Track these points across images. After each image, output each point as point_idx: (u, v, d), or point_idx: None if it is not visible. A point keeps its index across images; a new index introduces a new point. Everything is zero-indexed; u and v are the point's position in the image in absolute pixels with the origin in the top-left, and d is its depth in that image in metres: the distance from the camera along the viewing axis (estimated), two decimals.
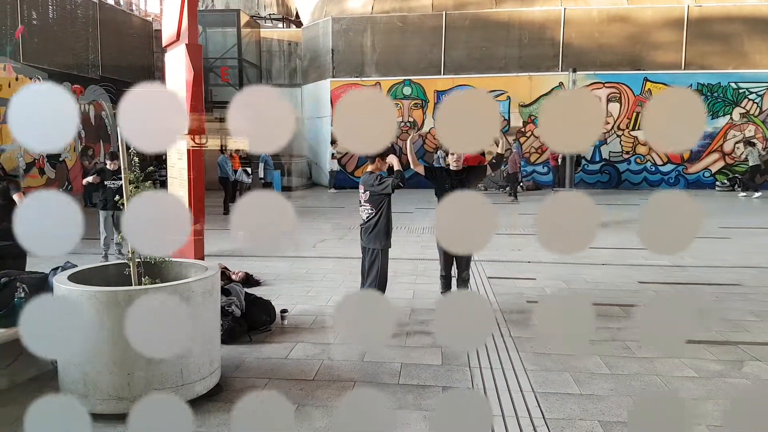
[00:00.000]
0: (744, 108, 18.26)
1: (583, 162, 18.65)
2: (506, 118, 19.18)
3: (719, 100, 18.32)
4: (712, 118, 18.32)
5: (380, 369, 4.55)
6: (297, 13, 24.47)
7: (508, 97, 19.15)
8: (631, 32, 18.72)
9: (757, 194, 16.38)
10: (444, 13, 19.38)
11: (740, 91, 18.21)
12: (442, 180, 5.80)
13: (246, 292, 5.36)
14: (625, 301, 6.40)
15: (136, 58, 19.23)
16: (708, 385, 4.23)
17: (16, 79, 14.76)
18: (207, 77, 20.65)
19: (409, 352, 4.84)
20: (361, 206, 5.39)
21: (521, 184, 17.47)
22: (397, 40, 19.80)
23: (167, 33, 4.77)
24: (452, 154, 5.90)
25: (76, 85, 16.97)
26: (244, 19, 20.94)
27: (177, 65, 4.50)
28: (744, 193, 16.78)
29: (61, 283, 3.52)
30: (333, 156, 18.66)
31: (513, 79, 19.09)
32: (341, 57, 19.91)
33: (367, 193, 5.23)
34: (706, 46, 18.29)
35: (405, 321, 5.68)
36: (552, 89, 18.87)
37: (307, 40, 21.62)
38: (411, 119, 19.56)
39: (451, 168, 5.87)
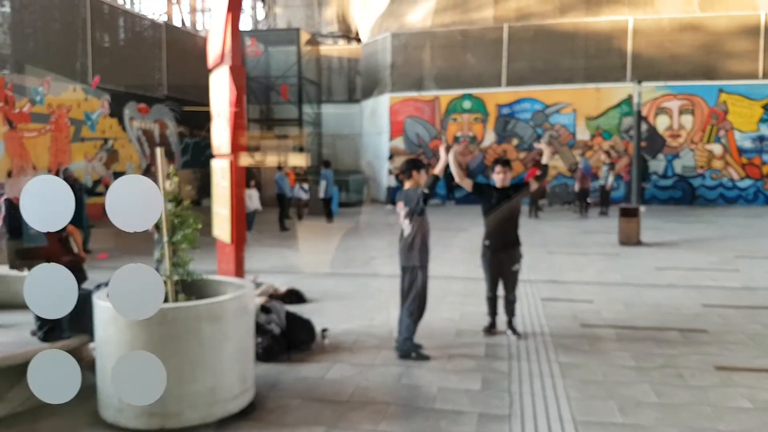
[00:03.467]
0: None
1: (652, 177, 17.83)
2: (572, 131, 18.69)
3: None
4: None
5: (416, 393, 4.52)
6: (357, 31, 24.97)
7: (574, 110, 18.67)
8: (704, 41, 17.85)
9: None
10: (506, 25, 19.19)
11: None
12: (489, 196, 5.76)
13: (287, 311, 5.46)
14: (685, 325, 6.07)
15: (200, 78, 20.13)
16: (762, 417, 3.94)
17: (85, 99, 15.84)
18: (268, 95, 21.38)
19: (448, 376, 4.78)
20: (400, 222, 5.35)
21: (589, 200, 16.95)
22: (457, 53, 19.78)
23: (213, 54, 5.01)
24: (497, 171, 5.82)
25: (141, 104, 17.95)
26: (304, 37, 21.57)
27: (221, 86, 4.71)
28: None
29: (100, 299, 3.73)
30: (390, 172, 18.79)
31: (578, 91, 18.61)
32: (400, 72, 20.09)
33: (405, 209, 5.20)
34: None
35: (448, 343, 5.60)
36: (621, 102, 18.25)
37: (366, 57, 21.98)
38: (471, 134, 19.42)
39: (497, 185, 5.81)
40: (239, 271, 4.58)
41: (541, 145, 6.27)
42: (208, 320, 3.67)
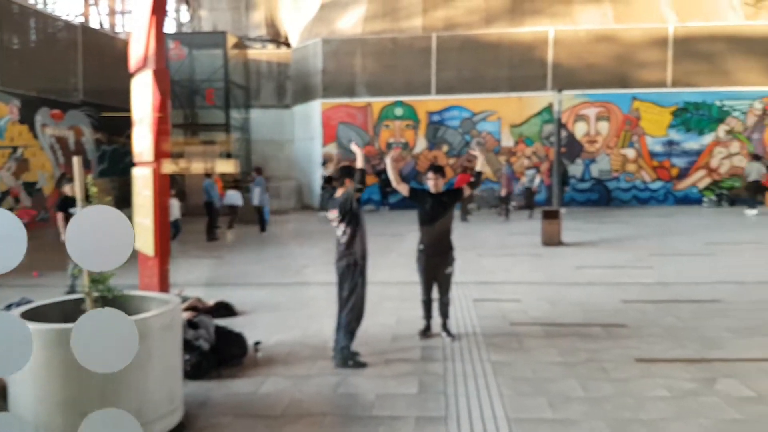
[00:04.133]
0: (728, 125, 18.40)
1: (571, 180, 18.70)
2: (497, 138, 19.29)
3: (705, 117, 18.47)
4: (699, 135, 18.45)
5: (353, 401, 4.50)
6: (286, 35, 24.72)
7: (499, 118, 19.28)
8: (619, 52, 18.94)
9: (754, 211, 16.30)
10: (434, 34, 19.59)
11: (724, 108, 18.37)
12: (423, 202, 5.85)
13: (216, 325, 5.29)
14: (607, 320, 6.38)
15: (119, 82, 19.17)
16: (679, 405, 4.20)
17: None
18: (193, 100, 20.76)
19: (385, 382, 4.79)
20: (335, 228, 5.29)
21: (513, 203, 17.53)
22: (388, 60, 19.98)
23: (135, 57, 4.80)
24: (430, 177, 5.92)
25: (55, 110, 16.90)
26: (231, 41, 21.13)
27: (144, 90, 4.53)
28: (754, 210, 16.52)
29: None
30: (324, 178, 18.70)
31: (503, 100, 19.25)
32: (331, 78, 20.07)
33: (337, 211, 5.16)
34: (690, 65, 18.49)
35: (385, 348, 5.62)
36: (542, 110, 19.02)
37: (296, 62, 21.82)
38: (403, 140, 19.65)
39: (431, 191, 5.92)
40: (164, 286, 4.40)
41: (475, 152, 6.43)
42: None
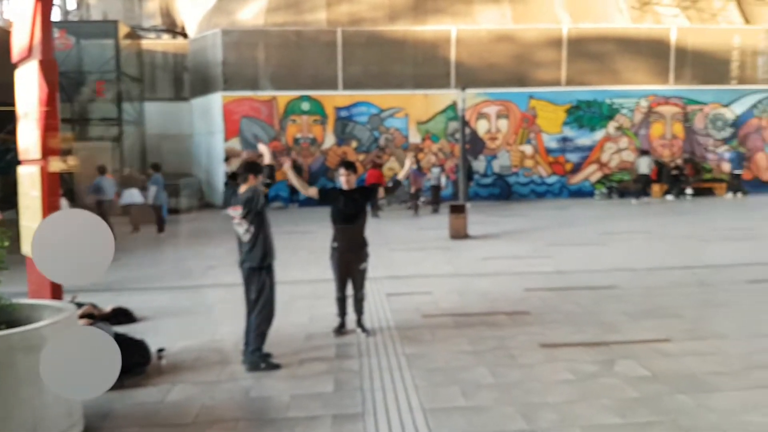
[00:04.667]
0: (618, 122, 19.83)
1: (475, 176, 19.38)
2: (405, 135, 19.56)
3: (596, 115, 19.78)
4: (590, 132, 19.73)
5: (267, 404, 4.38)
6: (183, 25, 23.65)
7: (406, 114, 19.56)
8: (517, 51, 19.80)
9: (646, 199, 17.75)
10: (339, 29, 19.52)
11: (614, 106, 19.78)
12: (336, 200, 5.80)
13: (115, 332, 4.95)
14: (511, 308, 6.66)
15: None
16: (582, 387, 4.46)
17: None
18: (81, 92, 19.36)
19: (300, 382, 4.71)
20: (239, 227, 5.07)
21: (422, 199, 17.88)
22: (293, 54, 19.65)
23: (18, 47, 4.38)
24: (342, 174, 5.88)
25: None
26: (123, 30, 19.90)
27: (29, 82, 4.14)
28: (645, 199, 17.98)
29: None
30: (227, 174, 18.05)
31: (410, 97, 19.54)
32: (233, 70, 19.43)
33: (243, 211, 4.98)
34: (583, 65, 19.71)
35: (299, 348, 5.52)
36: (447, 107, 19.52)
37: (194, 53, 20.92)
38: (311, 135, 19.44)
39: (343, 188, 5.87)
40: (55, 293, 4.05)
41: (408, 159, 6.38)
42: (23, 351, 3.20)
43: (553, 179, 19.84)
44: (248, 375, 4.87)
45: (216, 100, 19.44)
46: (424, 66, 19.77)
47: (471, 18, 20.13)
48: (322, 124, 19.45)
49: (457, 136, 18.07)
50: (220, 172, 18.27)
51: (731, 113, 19.96)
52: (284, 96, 19.30)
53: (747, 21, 20.45)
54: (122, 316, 6.39)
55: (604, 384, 4.50)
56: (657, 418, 3.90)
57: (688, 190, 19.06)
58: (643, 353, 5.11)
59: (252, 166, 5.13)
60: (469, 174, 18.56)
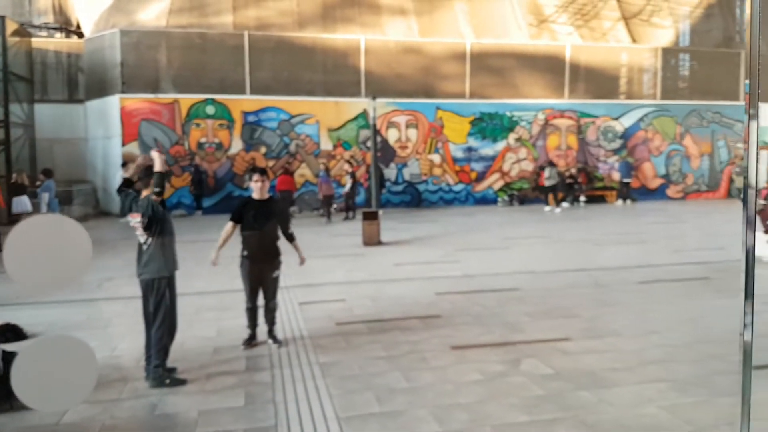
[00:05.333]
0: (517, 134, 20.86)
1: (387, 183, 19.63)
2: (316, 141, 19.44)
3: (498, 127, 20.70)
4: (493, 143, 20.60)
5: (174, 421, 4.17)
6: (78, 23, 22.18)
7: (317, 121, 19.46)
8: (424, 63, 20.33)
9: (558, 209, 18.73)
10: (246, 32, 19.11)
11: (514, 119, 20.79)
12: (247, 213, 5.61)
13: (3, 350, 4.51)
14: (423, 313, 6.77)
15: None
16: (491, 387, 4.60)
17: None
18: None
19: (208, 397, 4.52)
20: (139, 235, 4.81)
21: (334, 206, 17.83)
22: (197, 56, 18.99)
23: None
24: (256, 180, 5.69)
25: None
26: (11, 27, 18.32)
27: None
28: (558, 207, 18.94)
29: None
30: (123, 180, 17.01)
31: (320, 104, 19.46)
32: (132, 72, 18.45)
33: (143, 219, 4.73)
34: (485, 79, 20.58)
35: (206, 362, 5.29)
36: (357, 115, 19.63)
37: (90, 53, 19.66)
38: (217, 140, 18.82)
39: (253, 197, 5.70)
40: None
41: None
42: None
43: (459, 187, 20.50)
44: (152, 391, 4.60)
45: (113, 103, 18.36)
46: (335, 73, 19.80)
47: (379, 29, 20.44)
48: (228, 129, 18.90)
49: (369, 143, 18.24)
50: (117, 179, 17.20)
51: (620, 126, 21.61)
52: (187, 99, 18.57)
53: (634, 40, 22.24)
54: (10, 333, 5.87)
55: (512, 383, 4.67)
56: (561, 414, 4.09)
57: (582, 198, 20.38)
58: (546, 352, 5.37)
59: (151, 171, 4.88)
60: (381, 181, 18.79)
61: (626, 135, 21.66)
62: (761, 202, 9.64)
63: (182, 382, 4.74)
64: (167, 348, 4.80)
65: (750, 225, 1.71)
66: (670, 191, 22.07)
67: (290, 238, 5.90)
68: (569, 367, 5.00)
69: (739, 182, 21.36)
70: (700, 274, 8.67)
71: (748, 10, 1.61)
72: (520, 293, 7.70)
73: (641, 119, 21.77)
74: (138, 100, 18.21)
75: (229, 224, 5.67)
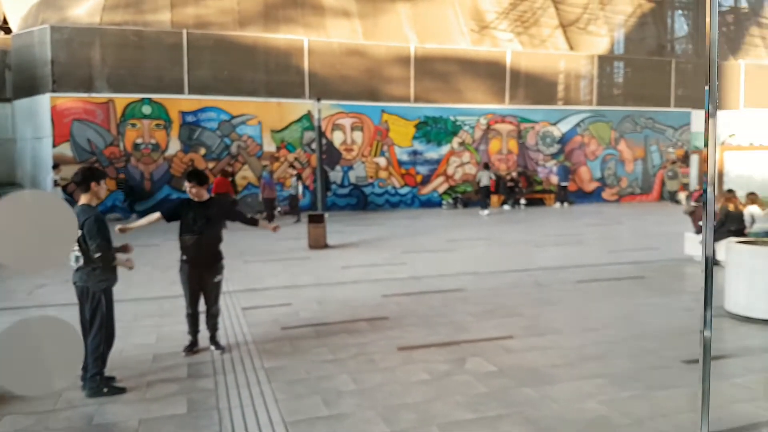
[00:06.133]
0: (461, 138, 21.22)
1: (333, 186, 19.55)
2: (258, 142, 19.12)
3: (442, 131, 20.99)
4: (438, 146, 20.87)
5: (113, 430, 3.99)
6: (4, 18, 20.99)
7: (259, 122, 19.14)
8: (368, 66, 20.38)
9: (486, 212, 19.10)
10: (185, 31, 18.60)
11: (457, 123, 21.14)
12: (185, 214, 5.41)
13: None
14: (371, 315, 6.77)
15: None
16: (438, 386, 4.64)
17: None
18: None
19: (149, 405, 4.35)
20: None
21: (278, 209, 17.58)
22: (133, 55, 18.33)
23: None
24: (189, 187, 5.47)
25: None
26: None
27: None
28: (486, 211, 19.28)
29: None
30: (56, 183, 16.24)
31: (263, 104, 19.15)
32: (64, 70, 17.61)
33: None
34: (429, 83, 20.84)
35: (145, 370, 5.09)
36: (301, 117, 19.45)
37: (18, 49, 18.63)
38: (153, 141, 18.21)
39: (192, 199, 5.51)
40: None
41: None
42: None
43: (405, 190, 20.65)
44: (89, 401, 4.39)
45: (44, 102, 17.45)
46: (277, 74, 19.56)
47: (323, 30, 20.34)
48: (165, 129, 18.32)
49: (314, 146, 18.10)
50: (48, 181, 16.39)
51: (558, 131, 22.34)
52: (123, 99, 17.89)
53: (571, 47, 23.06)
54: None
55: (457, 381, 4.73)
56: (506, 411, 4.17)
57: (522, 201, 20.94)
58: (490, 350, 5.47)
59: (93, 172, 4.66)
60: (327, 184, 18.68)
61: (564, 140, 22.42)
62: (692, 203, 10.17)
63: (121, 391, 4.55)
64: (105, 356, 4.60)
65: (710, 226, 1.77)
66: (606, 194, 23.00)
67: (253, 222, 5.78)
68: (512, 364, 5.10)
69: (671, 185, 22.56)
70: (634, 274, 9.06)
71: (707, 20, 1.70)
72: (465, 294, 7.82)
73: (578, 124, 22.59)
74: (70, 99, 17.40)
75: (157, 215, 5.44)
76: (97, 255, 4.43)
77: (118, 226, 5.24)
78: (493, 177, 20.24)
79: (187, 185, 5.46)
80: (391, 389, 4.58)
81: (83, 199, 4.58)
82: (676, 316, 6.64)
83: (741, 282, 6.40)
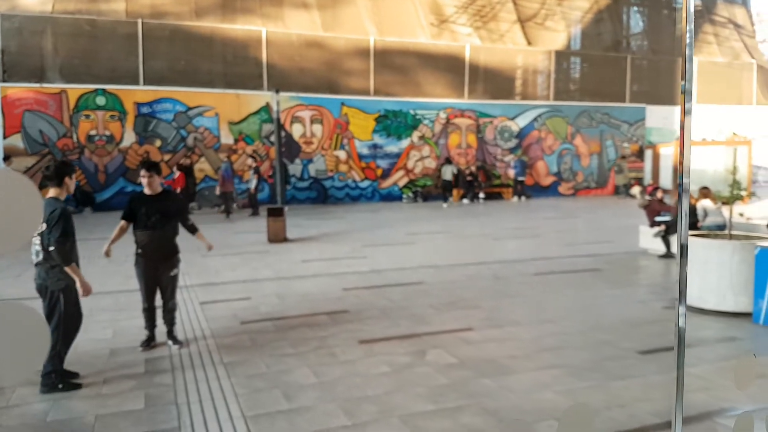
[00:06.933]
0: (420, 132, 21.33)
1: (292, 179, 19.37)
2: (216, 135, 18.77)
3: (402, 124, 21.05)
4: (398, 140, 20.93)
5: (69, 427, 3.89)
6: None
7: (216, 114, 18.79)
8: (328, 58, 20.24)
9: (446, 205, 19.34)
10: (140, 20, 18.06)
11: (417, 117, 21.24)
12: (138, 209, 5.28)
13: None
14: (331, 308, 6.75)
15: None
16: (398, 378, 4.67)
17: None
18: None
19: (105, 401, 4.25)
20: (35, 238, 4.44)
21: (236, 203, 17.30)
22: (86, 44, 17.73)
23: None
24: (143, 176, 5.35)
25: None
26: None
27: None
28: (446, 204, 19.54)
29: None
30: None
31: (220, 96, 18.80)
32: (14, 59, 16.91)
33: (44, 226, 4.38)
34: (389, 76, 20.85)
35: (102, 365, 4.96)
36: (260, 109, 19.18)
37: None
38: (108, 132, 17.66)
39: (145, 192, 5.38)
40: None
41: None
42: None
43: (366, 183, 20.64)
44: (45, 397, 4.27)
45: None
46: (235, 65, 19.23)
47: (282, 21, 20.08)
48: (120, 121, 17.80)
49: (273, 138, 17.88)
50: None
51: (516, 126, 22.71)
52: (76, 89, 17.30)
53: (529, 43, 23.44)
54: None
55: (418, 373, 4.77)
56: (465, 402, 4.23)
57: (481, 195, 21.23)
58: (450, 342, 5.54)
59: (66, 167, 4.59)
60: (286, 177, 18.49)
61: (521, 134, 22.81)
62: (647, 197, 10.50)
63: (77, 387, 4.44)
64: (61, 354, 4.46)
65: (684, 222, 1.81)
66: (562, 188, 23.54)
67: (192, 230, 5.64)
68: (472, 355, 5.18)
69: (617, 180, 23.36)
70: (590, 266, 9.31)
71: (683, 15, 1.75)
72: (425, 286, 7.88)
73: (535, 119, 23.02)
74: (21, 90, 16.73)
75: (122, 223, 5.33)
76: (51, 249, 4.29)
77: (105, 251, 5.25)
78: (455, 171, 20.47)
79: (142, 173, 5.35)
80: (351, 382, 4.59)
81: (52, 192, 4.49)
82: (631, 308, 6.86)
83: (694, 274, 6.62)
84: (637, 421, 3.92)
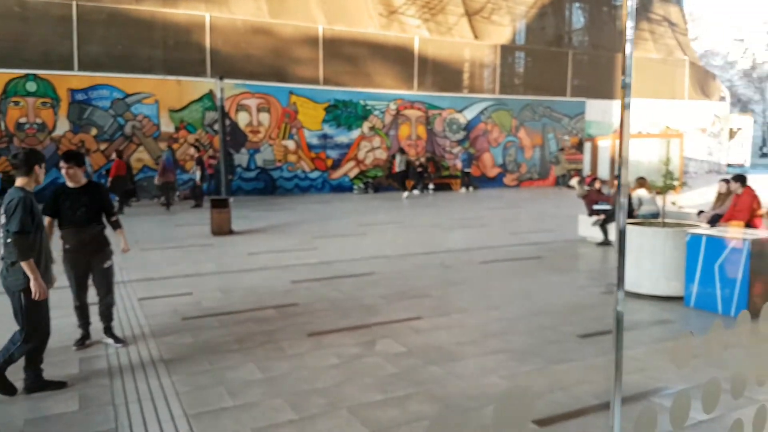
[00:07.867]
0: (371, 122, 21.24)
1: (238, 169, 18.94)
2: (155, 123, 18.10)
3: (352, 115, 20.89)
4: (348, 130, 20.78)
5: None
6: None
7: (156, 101, 18.11)
8: (275, 45, 19.82)
9: (406, 194, 19.40)
10: (74, 2, 17.16)
11: (367, 107, 21.13)
12: (61, 202, 4.94)
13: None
14: (279, 302, 6.61)
15: None
16: (347, 369, 4.61)
17: None
18: None
19: (36, 404, 4.00)
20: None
21: (177, 193, 16.77)
22: (16, 27, 16.72)
23: None
24: (61, 167, 4.97)
25: None
26: None
27: None
28: (406, 193, 19.59)
29: None
30: None
31: (160, 82, 18.12)
32: None
33: (3, 218, 4.08)
34: (338, 66, 20.63)
35: None
36: (203, 96, 18.62)
37: None
38: (39, 120, 16.75)
39: (67, 185, 5.03)
40: None
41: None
42: None
43: (315, 174, 20.41)
44: None
45: None
46: (177, 51, 18.59)
47: (226, 7, 19.51)
48: (53, 108, 16.91)
49: (216, 127, 17.39)
50: None
51: (464, 118, 22.96)
52: (4, 74, 16.31)
53: (476, 36, 23.68)
54: None
55: (367, 363, 4.72)
56: (414, 390, 4.21)
57: (431, 186, 21.39)
58: (400, 331, 5.52)
59: (36, 155, 4.29)
60: (231, 168, 18.06)
61: (469, 127, 23.08)
62: (585, 188, 10.79)
63: (11, 391, 4.17)
64: (13, 357, 4.18)
65: (623, 212, 1.83)
66: (507, 179, 24.00)
67: (115, 225, 5.31)
68: (420, 344, 5.18)
69: (556, 170, 24.23)
70: (533, 254, 9.51)
71: (624, 12, 1.77)
72: (376, 277, 7.84)
73: (482, 112, 23.33)
74: None
75: (46, 219, 4.97)
76: (8, 241, 4.00)
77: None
78: (407, 162, 20.56)
79: (62, 166, 4.94)
80: (299, 375, 4.50)
81: (20, 182, 4.18)
82: (571, 294, 7.03)
83: (629, 261, 6.88)
84: (578, 402, 4.00)
